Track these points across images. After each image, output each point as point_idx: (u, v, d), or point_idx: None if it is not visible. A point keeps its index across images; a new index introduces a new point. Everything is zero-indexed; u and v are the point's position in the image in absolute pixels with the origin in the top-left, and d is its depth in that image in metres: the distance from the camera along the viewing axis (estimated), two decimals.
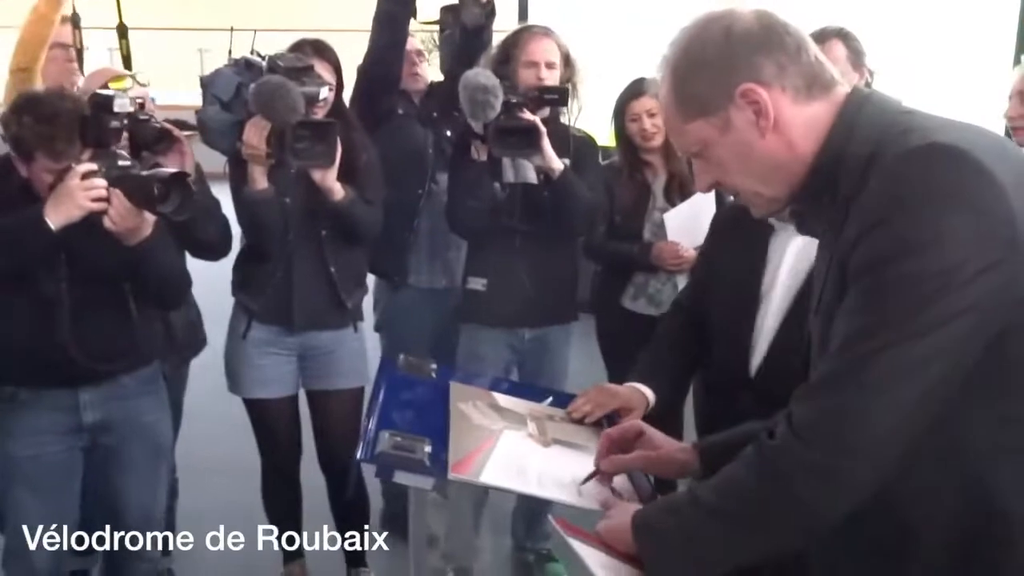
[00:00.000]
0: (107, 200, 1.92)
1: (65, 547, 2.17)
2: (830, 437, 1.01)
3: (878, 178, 1.01)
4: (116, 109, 1.97)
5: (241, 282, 2.57)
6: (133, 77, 2.44)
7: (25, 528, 2.11)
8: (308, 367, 2.59)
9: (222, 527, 2.37)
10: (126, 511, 2.22)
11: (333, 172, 2.32)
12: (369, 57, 2.79)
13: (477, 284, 2.71)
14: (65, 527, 2.15)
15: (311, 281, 2.47)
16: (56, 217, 1.92)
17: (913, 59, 4.08)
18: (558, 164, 2.54)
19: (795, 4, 5.10)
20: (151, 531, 2.24)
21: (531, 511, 3.04)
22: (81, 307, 2.03)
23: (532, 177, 2.62)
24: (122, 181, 1.94)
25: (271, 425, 2.62)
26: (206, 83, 2.36)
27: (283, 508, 2.75)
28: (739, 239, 1.70)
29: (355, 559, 2.80)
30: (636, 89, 2.88)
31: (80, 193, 1.91)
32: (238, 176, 2.42)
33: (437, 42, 6.54)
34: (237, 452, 3.03)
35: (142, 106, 2.33)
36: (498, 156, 2.54)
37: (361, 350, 2.64)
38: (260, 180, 2.35)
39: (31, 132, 1.93)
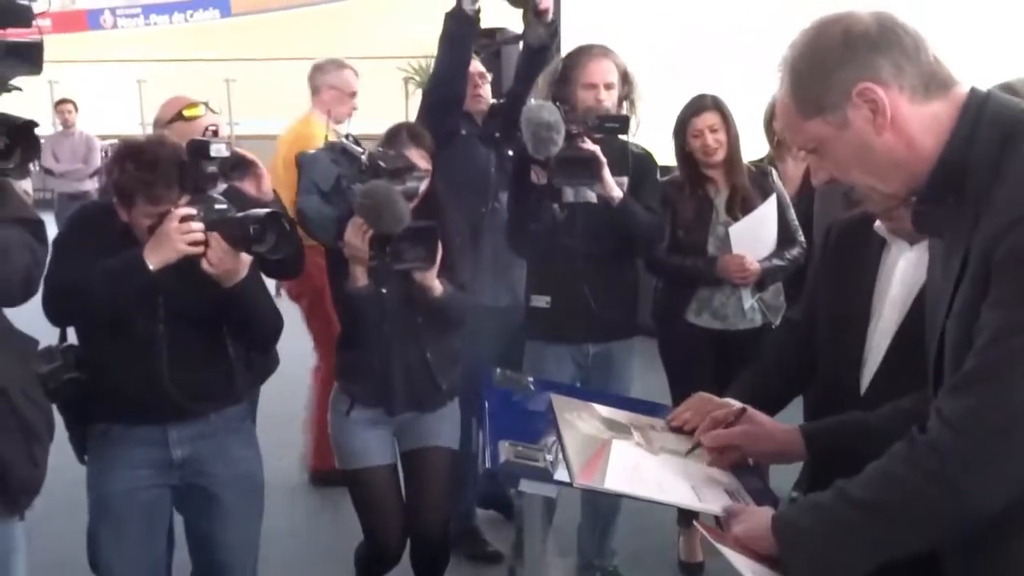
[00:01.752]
0: (205, 243, 1.98)
1: None
2: (986, 427, 1.03)
3: (1017, 173, 1.04)
4: (212, 154, 2.03)
5: (341, 366, 2.61)
6: (206, 104, 2.51)
7: (112, 565, 2.15)
8: (403, 433, 2.59)
9: None
10: (225, 552, 2.24)
11: (433, 272, 2.36)
12: (434, 79, 2.84)
13: (541, 302, 2.75)
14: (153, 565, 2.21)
15: (408, 368, 2.47)
16: (155, 259, 1.97)
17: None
18: (617, 192, 2.58)
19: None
20: (248, 569, 2.28)
21: (598, 528, 3.06)
22: (178, 347, 2.07)
23: (592, 196, 2.66)
24: (219, 224, 1.99)
25: (375, 495, 2.56)
26: (303, 166, 2.41)
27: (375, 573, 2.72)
28: (851, 254, 1.67)
29: None
30: (698, 105, 2.93)
31: (178, 236, 1.96)
32: (337, 269, 2.45)
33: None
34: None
35: (215, 133, 2.39)
36: (558, 185, 2.58)
37: (455, 416, 2.63)
38: (361, 278, 2.38)
39: (132, 178, 1.99)
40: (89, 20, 22.97)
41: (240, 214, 2.05)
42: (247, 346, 2.27)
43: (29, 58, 1.60)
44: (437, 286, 2.39)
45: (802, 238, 3.03)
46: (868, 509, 1.10)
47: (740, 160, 2.98)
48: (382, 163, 2.33)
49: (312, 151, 2.57)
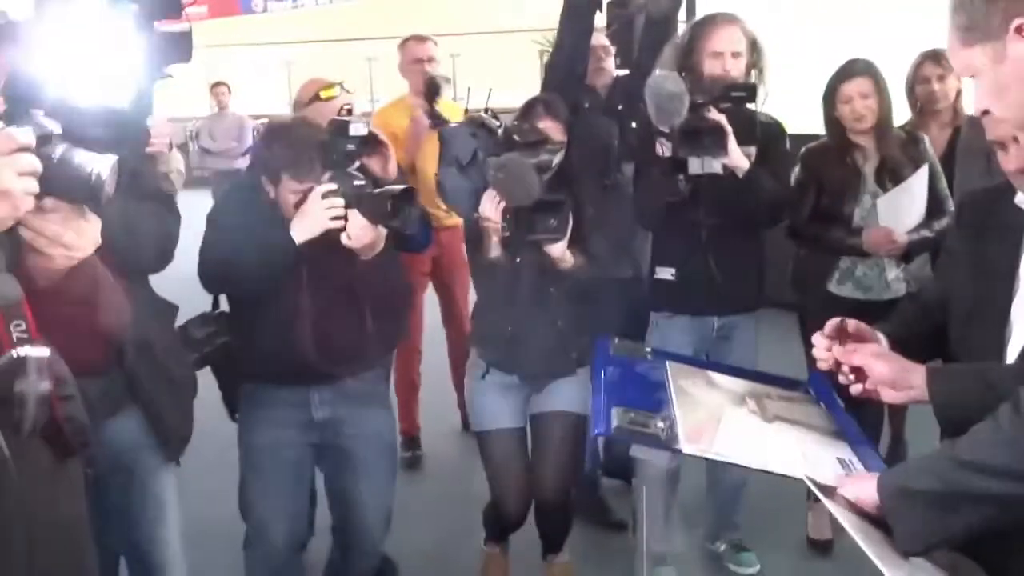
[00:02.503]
0: (345, 218, 2.10)
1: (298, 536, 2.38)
2: None
3: None
4: (352, 133, 2.14)
5: (477, 332, 2.70)
6: (341, 85, 2.63)
7: (262, 514, 2.32)
8: (535, 397, 2.66)
9: None
10: (361, 508, 2.38)
11: (564, 243, 2.40)
12: (556, 52, 2.87)
13: (666, 273, 2.75)
14: (296, 516, 2.37)
15: (540, 336, 2.53)
16: (300, 233, 2.11)
17: None
18: (744, 163, 2.55)
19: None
20: (383, 527, 2.41)
21: (722, 502, 3.05)
22: (319, 315, 2.21)
23: (717, 168, 2.62)
24: (358, 200, 2.11)
25: (500, 455, 2.65)
26: (445, 140, 2.51)
27: (501, 535, 2.86)
28: (989, 227, 1.57)
29: (552, 547, 2.89)
30: (849, 70, 2.86)
31: (321, 212, 2.09)
32: (474, 240, 2.55)
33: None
34: None
35: (350, 111, 2.51)
36: (684, 157, 2.56)
37: (584, 383, 2.63)
38: (495, 248, 2.46)
39: (278, 157, 2.15)
40: (241, 5, 24.06)
41: (377, 190, 2.16)
42: (379, 314, 2.39)
43: (180, 47, 1.73)
44: (568, 257, 2.43)
45: (951, 207, 2.89)
46: (976, 470, 1.12)
47: (891, 128, 2.89)
48: (516, 136, 2.40)
49: (454, 124, 2.65)
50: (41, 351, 0.98)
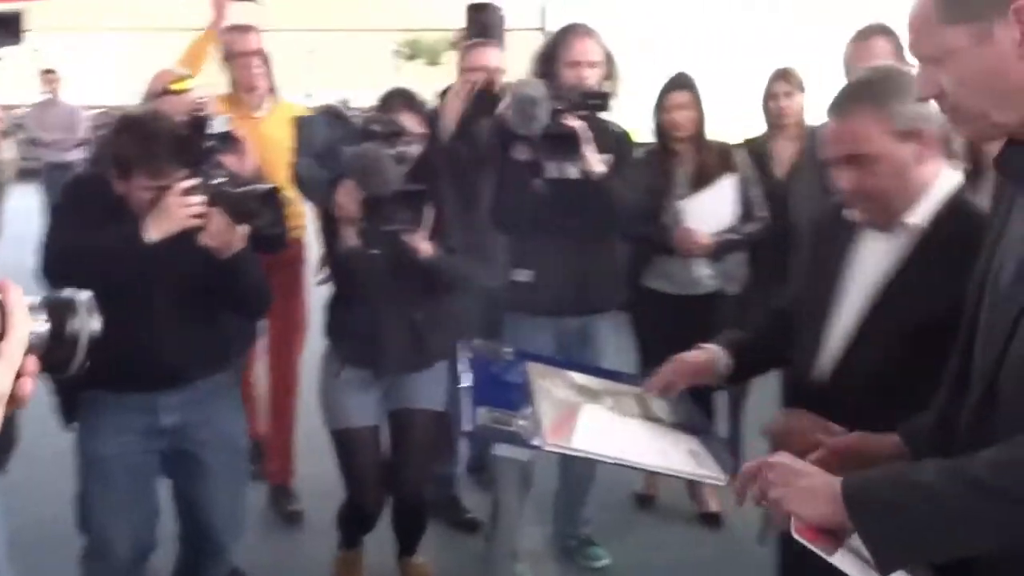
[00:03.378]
0: (204, 216, 2.03)
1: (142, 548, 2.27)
2: None
3: None
4: (212, 129, 2.07)
5: (331, 327, 2.66)
6: (192, 78, 2.54)
7: (104, 527, 2.20)
8: (392, 392, 2.65)
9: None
10: (212, 516, 2.30)
11: (422, 234, 2.41)
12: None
13: (522, 276, 2.80)
14: (142, 527, 2.26)
15: (397, 329, 2.53)
16: (156, 231, 2.02)
17: None
18: (599, 167, 2.63)
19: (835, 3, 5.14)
20: (234, 534, 2.34)
21: (573, 497, 3.14)
22: (172, 315, 2.12)
23: (574, 172, 2.70)
24: (220, 198, 2.05)
25: (357, 453, 2.64)
26: (299, 127, 2.45)
27: (355, 533, 2.83)
28: (825, 242, 1.66)
29: (407, 548, 2.89)
30: (672, 83, 3.11)
31: (179, 209, 2.01)
32: (329, 229, 2.51)
33: (451, 42, 6.49)
34: None
35: (203, 105, 2.43)
36: (542, 160, 2.62)
37: (442, 378, 2.68)
38: (351, 238, 2.44)
39: (131, 150, 2.04)
40: None
41: (240, 189, 2.10)
42: (238, 314, 2.32)
43: (9, 29, 1.62)
44: (426, 248, 2.44)
45: (763, 214, 3.16)
46: (999, 497, 1.03)
47: (705, 138, 3.14)
48: (374, 127, 2.38)
49: (310, 114, 2.61)
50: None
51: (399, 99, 2.54)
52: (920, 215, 1.49)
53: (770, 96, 3.57)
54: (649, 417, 1.70)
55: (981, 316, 1.18)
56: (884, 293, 1.51)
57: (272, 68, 3.21)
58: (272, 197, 2.07)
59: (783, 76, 3.56)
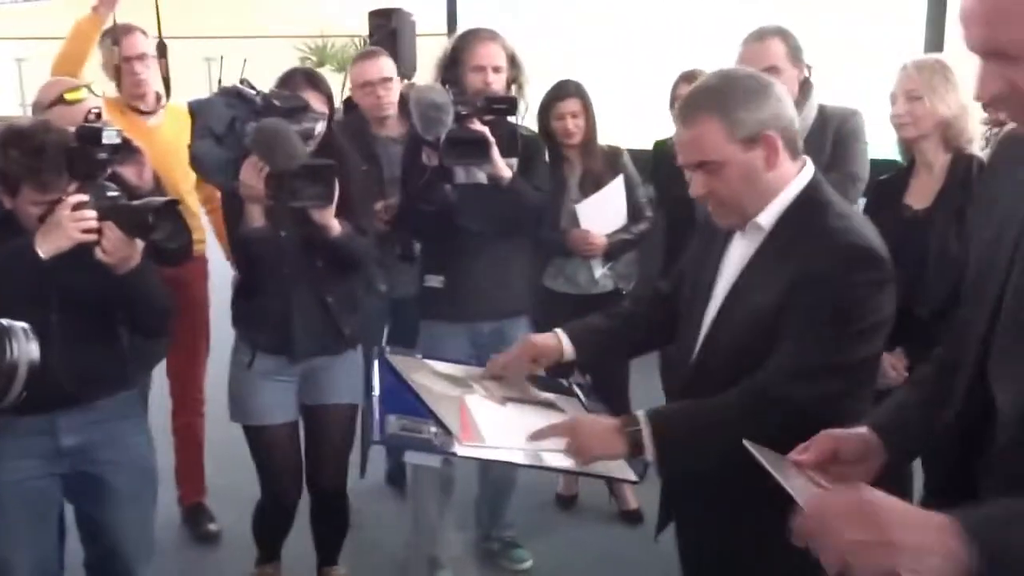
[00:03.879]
0: (98, 231, 1.95)
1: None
2: None
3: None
4: (104, 141, 2.00)
5: (241, 315, 2.60)
6: (88, 87, 2.44)
7: (4, 555, 2.10)
8: (307, 385, 2.62)
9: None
10: (119, 539, 2.22)
11: (331, 210, 2.36)
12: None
13: (435, 281, 2.80)
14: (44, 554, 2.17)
15: (309, 312, 2.49)
16: (46, 248, 1.94)
17: (838, 56, 4.33)
18: (506, 172, 2.65)
19: (737, 5, 5.30)
20: (143, 557, 2.26)
21: (495, 501, 3.14)
22: (69, 334, 2.03)
23: (482, 177, 2.71)
24: (114, 212, 1.97)
25: (275, 452, 2.61)
26: (196, 111, 2.37)
27: (273, 535, 2.79)
28: (711, 237, 1.74)
29: (327, 558, 2.85)
30: (562, 90, 3.18)
31: (70, 224, 1.93)
32: (233, 212, 2.44)
33: (360, 48, 6.43)
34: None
35: (99, 116, 2.34)
36: (449, 166, 2.62)
37: (356, 369, 2.65)
38: (257, 218, 2.37)
39: (18, 165, 1.95)
40: None
41: (136, 202, 2.04)
42: (139, 332, 2.25)
43: None
44: (335, 225, 2.40)
45: (650, 214, 3.33)
46: None
47: (596, 143, 3.24)
48: (277, 102, 2.32)
49: (206, 96, 2.53)
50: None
51: (301, 77, 2.51)
52: (767, 216, 1.56)
53: (675, 98, 3.64)
54: (522, 399, 1.74)
55: (1012, 280, 1.11)
56: (732, 288, 1.61)
57: (160, 72, 3.10)
58: (169, 210, 2.01)
59: (688, 78, 3.63)
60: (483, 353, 2.86)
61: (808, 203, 1.55)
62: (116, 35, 3.03)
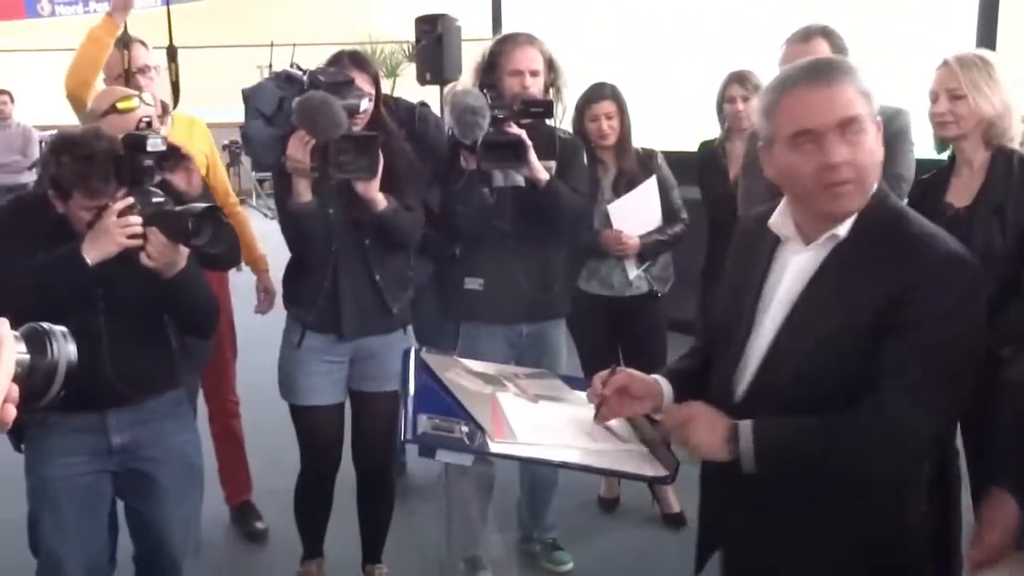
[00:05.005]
0: (143, 236, 2.01)
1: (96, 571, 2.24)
2: None
3: None
4: (149, 148, 2.06)
5: (291, 294, 2.66)
6: (140, 97, 2.52)
7: (55, 550, 2.17)
8: (357, 370, 2.68)
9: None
10: (166, 534, 2.27)
11: (376, 183, 2.41)
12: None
13: (474, 284, 2.81)
14: (94, 549, 2.23)
15: (358, 290, 2.55)
16: (93, 253, 2.01)
17: (887, 55, 4.26)
18: (544, 174, 2.66)
19: (778, 4, 5.23)
20: (189, 552, 2.31)
21: (537, 502, 3.15)
22: (118, 336, 2.10)
23: (521, 180, 2.73)
24: (158, 218, 2.03)
25: (318, 432, 2.69)
26: (248, 96, 2.43)
27: (314, 513, 2.85)
28: (748, 253, 1.60)
29: (371, 555, 2.89)
30: (597, 93, 3.19)
31: (116, 230, 2.00)
32: (283, 188, 2.50)
33: (408, 53, 6.45)
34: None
35: (149, 124, 2.42)
36: (486, 169, 2.65)
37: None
38: (305, 193, 2.42)
39: (69, 171, 2.02)
40: (27, 8, 22.37)
41: (179, 208, 2.09)
42: (187, 332, 2.32)
43: None
44: (381, 199, 2.44)
45: (685, 216, 3.32)
46: None
47: (630, 145, 3.24)
48: (321, 77, 2.37)
49: (257, 82, 2.58)
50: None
51: (347, 58, 2.56)
52: (845, 227, 1.44)
53: (726, 99, 3.62)
54: (553, 397, 1.75)
55: None
56: (794, 309, 1.47)
57: (170, 76, 3.13)
58: (210, 215, 2.06)
59: (738, 79, 3.60)
60: (522, 354, 2.90)
61: (884, 209, 1.45)
62: (126, 42, 3.05)
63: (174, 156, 2.39)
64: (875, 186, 1.45)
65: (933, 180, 2.45)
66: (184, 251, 2.09)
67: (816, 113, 1.39)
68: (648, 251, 3.24)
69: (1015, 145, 2.34)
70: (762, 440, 1.41)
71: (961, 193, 2.36)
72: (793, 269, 1.49)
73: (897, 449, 1.40)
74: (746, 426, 1.43)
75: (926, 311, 1.35)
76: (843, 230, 1.44)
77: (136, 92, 2.74)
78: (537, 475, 3.05)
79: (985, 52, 2.38)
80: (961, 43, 4.49)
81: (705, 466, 1.62)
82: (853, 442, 1.40)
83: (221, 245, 2.08)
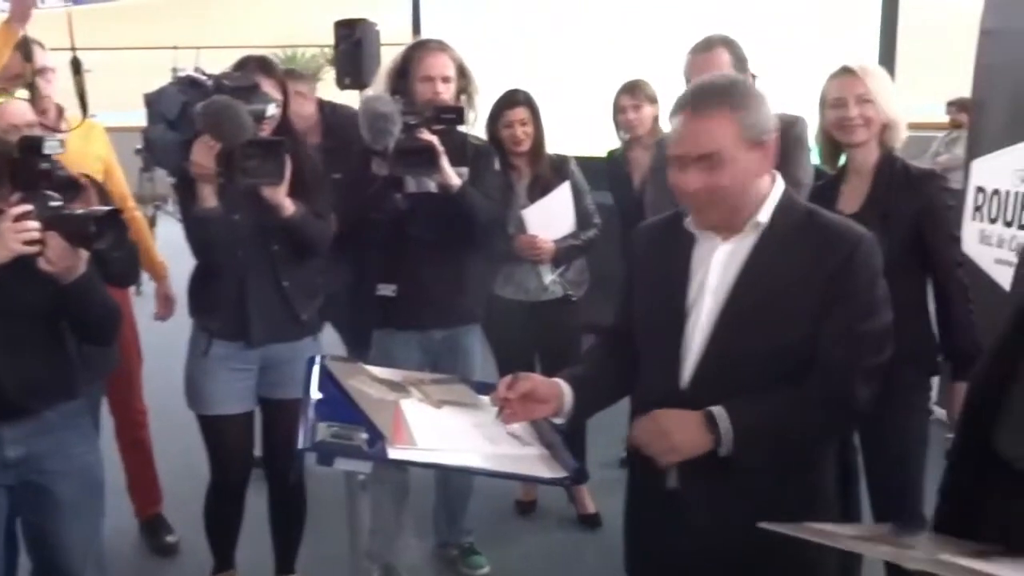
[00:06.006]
0: (41, 241, 1.95)
1: None
2: None
3: None
4: (45, 151, 2.00)
5: (197, 301, 2.61)
6: (9, 93, 2.42)
7: None
8: (266, 377, 2.64)
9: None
10: (64, 551, 2.20)
11: (283, 189, 2.38)
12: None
13: (387, 290, 2.81)
14: None
15: (265, 297, 2.52)
16: None
17: (787, 64, 4.40)
18: (455, 180, 2.67)
19: (679, 14, 5.36)
20: (90, 568, 2.24)
21: (453, 507, 3.16)
22: (13, 344, 2.03)
23: (433, 186, 2.73)
24: (57, 221, 1.97)
25: (227, 441, 2.64)
26: (151, 101, 2.38)
27: (225, 523, 2.80)
28: (661, 254, 1.68)
29: (284, 566, 2.86)
30: (510, 99, 3.22)
31: (12, 235, 1.92)
32: (187, 195, 2.45)
33: (329, 57, 6.39)
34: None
35: (34, 125, 2.34)
36: (398, 175, 2.65)
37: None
38: (209, 199, 2.38)
39: None
40: None
41: (79, 211, 2.03)
42: (85, 341, 2.25)
43: None
44: (288, 205, 2.42)
45: (598, 221, 3.38)
46: None
47: (544, 151, 3.28)
48: (226, 82, 2.34)
49: (160, 86, 2.53)
50: None
51: (254, 63, 2.54)
52: (765, 214, 1.58)
53: (618, 109, 3.70)
54: (457, 403, 1.76)
55: None
56: (735, 291, 1.57)
57: (76, 88, 3.04)
58: (112, 218, 2.01)
59: (628, 90, 3.69)
60: (436, 360, 2.91)
61: (794, 203, 1.62)
62: (26, 49, 2.95)
63: (73, 188, 2.32)
64: (745, 200, 1.57)
65: (824, 188, 2.54)
66: (84, 255, 2.03)
67: (681, 143, 1.55)
68: (563, 255, 3.28)
69: (898, 148, 2.44)
70: (738, 422, 1.51)
71: (850, 200, 2.45)
72: (719, 260, 1.60)
73: (847, 416, 1.60)
74: (720, 412, 1.51)
75: (854, 287, 1.53)
76: (764, 216, 1.58)
77: (13, 92, 2.65)
78: (452, 480, 3.06)
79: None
80: (862, 51, 4.68)
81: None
82: (813, 415, 1.55)
83: (123, 249, 2.03)
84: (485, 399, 1.79)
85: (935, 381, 2.50)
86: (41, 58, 3.03)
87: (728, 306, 1.57)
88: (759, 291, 1.56)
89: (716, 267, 1.60)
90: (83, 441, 2.27)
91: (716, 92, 1.55)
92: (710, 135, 1.51)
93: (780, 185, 1.62)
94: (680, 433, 1.52)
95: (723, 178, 1.52)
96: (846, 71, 2.45)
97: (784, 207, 1.60)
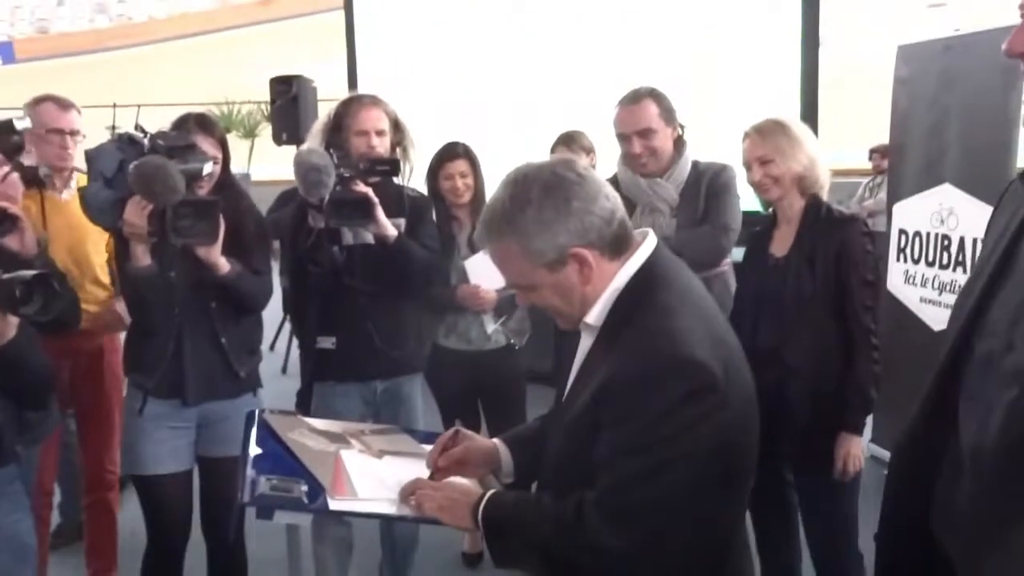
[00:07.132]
0: None
1: None
2: None
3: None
4: None
5: (133, 359, 2.57)
6: None
7: None
8: (204, 435, 2.59)
9: None
10: None
11: (217, 248, 2.37)
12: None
13: (327, 343, 2.79)
14: None
15: (203, 354, 2.49)
16: None
17: (715, 112, 4.56)
18: (392, 231, 2.69)
19: (607, 69, 5.54)
20: None
21: (397, 561, 3.11)
22: None
23: (370, 238, 2.74)
24: None
25: (165, 502, 2.57)
26: (90, 158, 2.37)
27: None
28: (570, 342, 1.60)
29: None
30: (450, 152, 3.27)
31: None
32: (121, 252, 2.43)
33: (266, 113, 6.42)
34: None
35: None
36: (334, 227, 2.66)
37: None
38: (143, 257, 2.36)
39: None
40: None
41: (5, 276, 1.99)
42: (17, 406, 2.20)
43: None
44: (223, 264, 2.41)
45: None
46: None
47: (484, 202, 3.21)
48: (160, 141, 2.33)
49: (99, 143, 2.52)
50: None
51: (192, 121, 2.54)
52: (595, 316, 1.45)
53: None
54: (397, 452, 1.76)
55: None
56: (570, 389, 1.51)
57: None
58: (41, 282, 1.97)
59: (565, 140, 3.76)
60: (378, 411, 2.89)
61: (635, 294, 1.43)
62: (46, 105, 3.00)
63: (7, 220, 2.29)
64: (584, 307, 1.45)
65: (759, 235, 2.63)
66: (13, 320, 2.00)
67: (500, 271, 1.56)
68: (505, 305, 3.30)
69: (824, 192, 2.53)
70: (488, 509, 1.47)
71: (780, 244, 2.54)
72: (580, 356, 1.52)
73: (591, 556, 1.35)
74: (488, 498, 1.48)
75: (627, 409, 1.31)
76: (592, 319, 1.45)
77: None
78: (397, 534, 3.02)
79: (778, 116, 2.55)
80: (786, 102, 4.86)
81: None
82: (559, 537, 1.38)
83: (53, 311, 1.99)
84: (427, 448, 1.79)
85: (868, 419, 2.57)
86: (74, 119, 3.04)
87: (567, 404, 1.50)
88: (576, 389, 1.48)
89: (577, 363, 1.53)
90: (14, 508, 2.20)
91: (496, 221, 1.45)
92: (504, 266, 1.48)
93: (629, 270, 1.45)
94: (449, 513, 1.50)
95: (542, 299, 1.47)
96: (745, 135, 2.54)
97: (627, 296, 1.43)
